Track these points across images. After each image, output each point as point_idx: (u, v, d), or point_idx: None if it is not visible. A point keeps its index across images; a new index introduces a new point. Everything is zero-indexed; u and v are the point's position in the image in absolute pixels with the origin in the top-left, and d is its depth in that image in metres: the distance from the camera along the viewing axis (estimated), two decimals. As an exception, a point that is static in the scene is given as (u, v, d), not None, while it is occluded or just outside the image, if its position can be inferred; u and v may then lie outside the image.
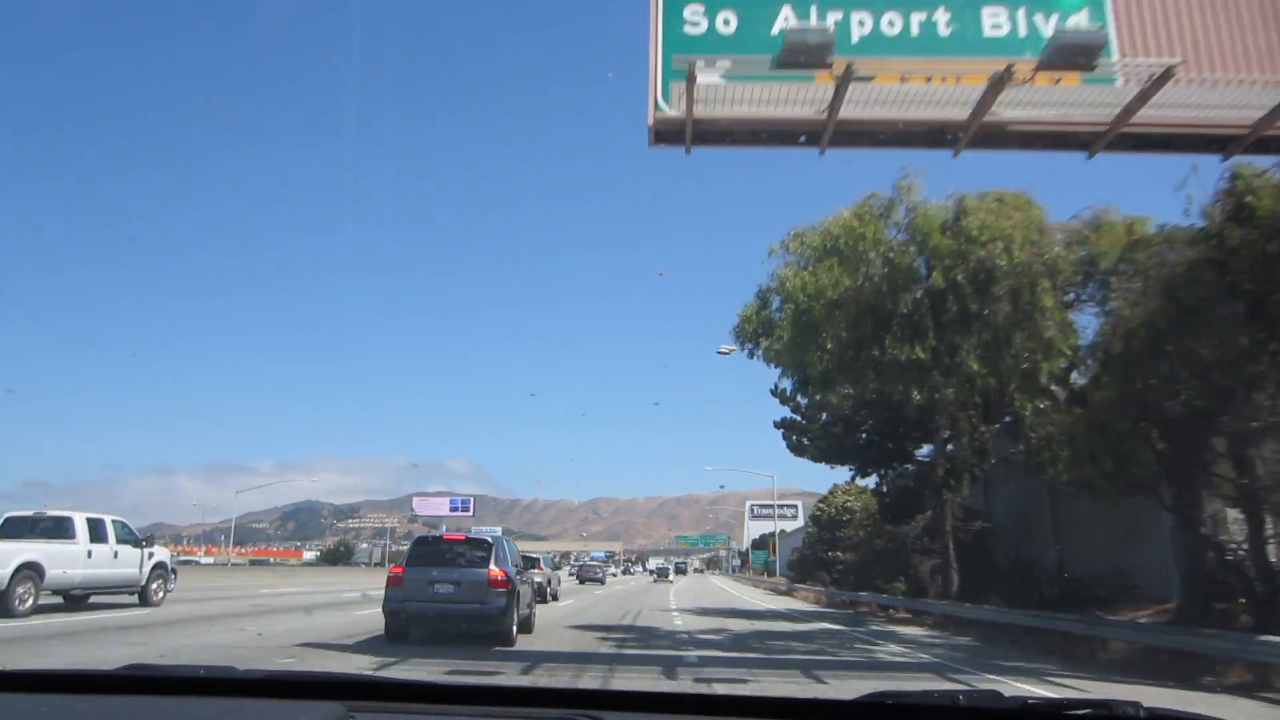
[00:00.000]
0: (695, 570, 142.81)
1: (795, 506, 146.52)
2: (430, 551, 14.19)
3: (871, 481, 32.52)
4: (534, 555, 30.19)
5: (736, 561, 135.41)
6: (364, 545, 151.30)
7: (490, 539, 14.43)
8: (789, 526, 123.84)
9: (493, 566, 13.65)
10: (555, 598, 31.11)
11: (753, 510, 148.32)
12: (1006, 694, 2.17)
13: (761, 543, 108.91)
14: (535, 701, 2.26)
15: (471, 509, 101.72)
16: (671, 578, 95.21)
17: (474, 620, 13.40)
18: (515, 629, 13.99)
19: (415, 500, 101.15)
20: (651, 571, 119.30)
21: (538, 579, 27.91)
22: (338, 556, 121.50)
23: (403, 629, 13.83)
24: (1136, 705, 1.97)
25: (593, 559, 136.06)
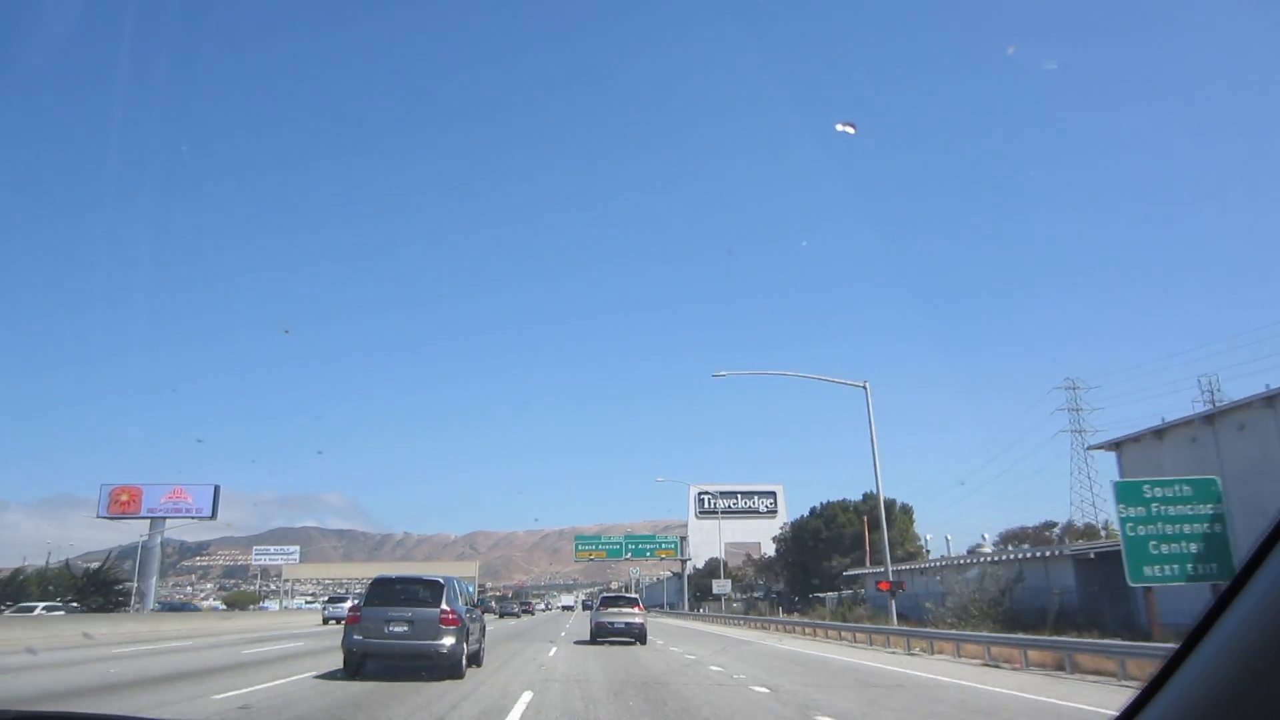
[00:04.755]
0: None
1: (773, 495, 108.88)
2: (386, 591, 15.27)
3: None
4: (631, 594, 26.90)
5: (725, 587, 75.72)
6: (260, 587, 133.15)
7: (441, 580, 15.53)
8: (761, 526, 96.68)
9: (444, 605, 14.78)
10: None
11: (702, 503, 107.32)
12: None
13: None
14: None
15: (211, 508, 74.86)
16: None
17: (425, 657, 14.52)
18: (465, 663, 15.15)
19: (146, 489, 75.71)
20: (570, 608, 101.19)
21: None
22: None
23: (359, 664, 14.94)
24: None
25: None
